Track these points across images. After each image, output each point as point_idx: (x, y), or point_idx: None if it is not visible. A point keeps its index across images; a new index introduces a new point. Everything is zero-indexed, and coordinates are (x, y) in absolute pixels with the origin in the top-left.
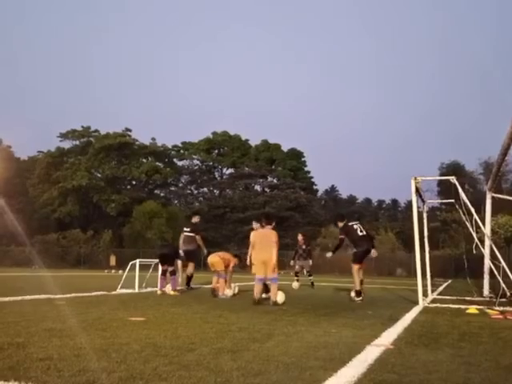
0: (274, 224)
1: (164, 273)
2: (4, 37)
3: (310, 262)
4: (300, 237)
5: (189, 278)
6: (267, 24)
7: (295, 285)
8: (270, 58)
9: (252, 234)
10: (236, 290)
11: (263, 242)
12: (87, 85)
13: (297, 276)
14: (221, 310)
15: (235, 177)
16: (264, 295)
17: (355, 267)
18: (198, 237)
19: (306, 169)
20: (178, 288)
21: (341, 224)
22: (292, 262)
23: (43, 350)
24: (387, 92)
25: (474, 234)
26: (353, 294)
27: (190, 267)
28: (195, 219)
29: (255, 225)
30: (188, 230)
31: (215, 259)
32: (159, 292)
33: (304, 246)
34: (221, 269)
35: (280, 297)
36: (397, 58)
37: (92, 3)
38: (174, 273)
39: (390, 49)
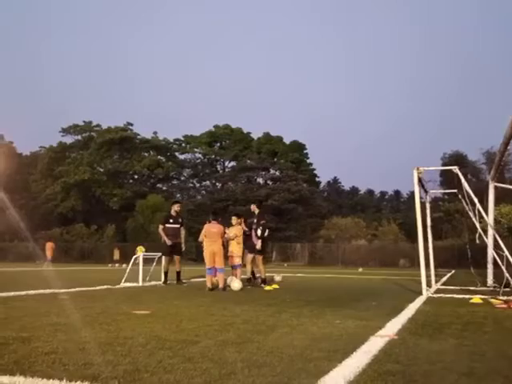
0: (219, 219)
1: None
2: (5, 33)
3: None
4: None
5: (178, 274)
6: (267, 16)
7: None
8: (272, 51)
9: (204, 227)
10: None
11: (213, 235)
12: (88, 80)
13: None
14: (225, 303)
15: (237, 170)
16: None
17: (261, 257)
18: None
19: (308, 161)
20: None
21: (257, 209)
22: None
23: (48, 344)
24: (389, 83)
25: (477, 224)
26: (262, 282)
27: (178, 262)
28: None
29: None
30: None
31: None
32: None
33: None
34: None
35: (237, 284)
36: (399, 48)
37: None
38: None
39: (393, 38)
